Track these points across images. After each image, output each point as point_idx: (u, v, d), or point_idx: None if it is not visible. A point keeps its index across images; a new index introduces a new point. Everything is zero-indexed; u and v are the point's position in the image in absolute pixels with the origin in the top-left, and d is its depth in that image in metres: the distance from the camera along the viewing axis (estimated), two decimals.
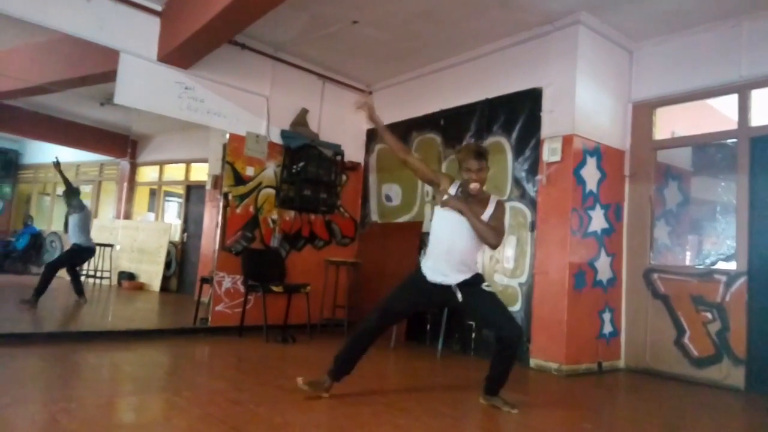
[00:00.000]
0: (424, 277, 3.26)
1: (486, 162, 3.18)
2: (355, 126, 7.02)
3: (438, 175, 3.39)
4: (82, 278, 7.33)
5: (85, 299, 6.72)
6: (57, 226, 10.76)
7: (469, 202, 3.16)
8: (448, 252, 3.20)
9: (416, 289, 3.31)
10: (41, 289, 6.10)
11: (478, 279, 3.30)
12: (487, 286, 3.33)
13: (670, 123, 5.28)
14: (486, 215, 3.17)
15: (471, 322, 5.36)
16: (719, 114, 5.11)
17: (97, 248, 7.32)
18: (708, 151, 5.24)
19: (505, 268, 5.22)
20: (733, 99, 4.76)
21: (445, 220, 3.22)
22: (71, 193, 6.87)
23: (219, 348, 4.97)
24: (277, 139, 6.15)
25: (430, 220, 3.40)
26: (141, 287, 8.99)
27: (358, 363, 3.31)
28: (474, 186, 3.13)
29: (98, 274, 8.23)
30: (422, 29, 5.37)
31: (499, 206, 3.26)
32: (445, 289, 3.23)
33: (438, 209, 3.28)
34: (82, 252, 6.75)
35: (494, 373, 3.33)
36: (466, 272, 3.24)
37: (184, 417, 2.77)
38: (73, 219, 6.67)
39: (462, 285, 3.21)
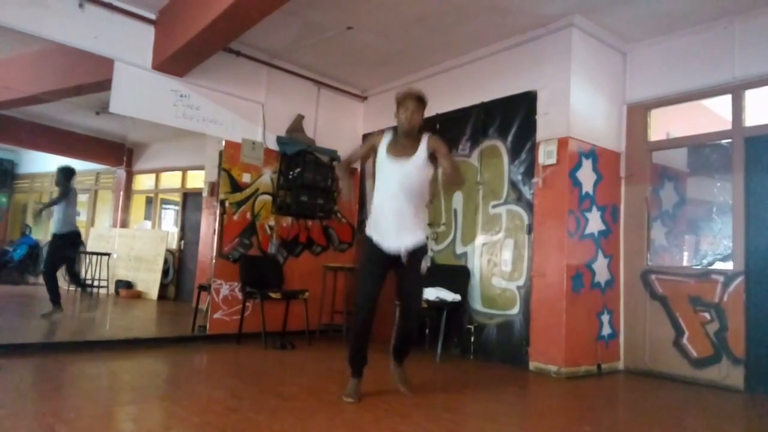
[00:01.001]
0: (376, 246, 3.31)
1: (423, 108, 3.36)
2: (351, 131, 7.03)
3: (368, 142, 3.55)
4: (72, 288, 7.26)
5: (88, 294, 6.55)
6: None
7: (404, 145, 3.32)
8: (392, 208, 3.28)
9: (375, 262, 3.34)
10: (54, 297, 6.01)
11: (423, 249, 3.40)
12: (430, 257, 3.53)
13: (664, 124, 5.29)
14: (421, 151, 3.29)
15: (470, 326, 5.37)
16: (714, 114, 5.12)
17: (95, 257, 7.27)
18: (703, 151, 5.25)
19: (503, 271, 5.22)
20: (727, 99, 4.78)
21: (392, 176, 3.30)
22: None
23: (217, 356, 4.95)
24: (273, 145, 6.16)
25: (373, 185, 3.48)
26: (138, 296, 8.95)
27: (368, 353, 3.44)
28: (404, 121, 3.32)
29: (95, 282, 8.20)
30: (417, 34, 5.39)
31: (433, 138, 3.36)
32: (393, 252, 3.30)
33: (378, 163, 3.38)
34: (65, 239, 6.41)
35: (395, 342, 3.69)
36: (415, 233, 3.32)
37: (183, 426, 2.76)
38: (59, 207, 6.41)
39: (408, 251, 3.29)
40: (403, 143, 3.35)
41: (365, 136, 7.03)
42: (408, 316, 3.53)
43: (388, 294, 5.88)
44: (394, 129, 3.46)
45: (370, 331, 3.37)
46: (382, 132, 3.41)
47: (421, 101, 3.33)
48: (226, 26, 4.37)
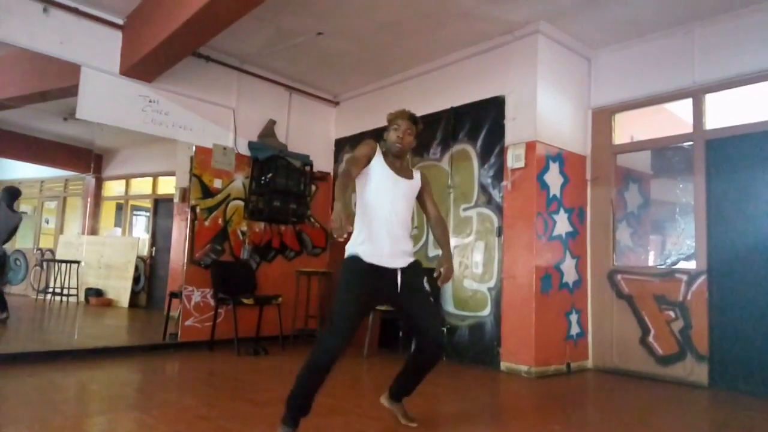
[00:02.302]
0: (364, 266, 2.79)
1: (416, 129, 3.04)
2: (323, 136, 7.05)
3: (363, 152, 2.93)
4: (48, 296, 7.13)
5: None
6: (21, 244, 10.49)
7: (396, 167, 2.99)
8: (389, 227, 2.85)
9: (362, 284, 2.77)
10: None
11: (418, 265, 2.99)
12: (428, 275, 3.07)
13: (628, 128, 5.43)
14: (416, 179, 3.05)
15: (443, 328, 5.41)
16: (675, 118, 5.27)
17: (64, 265, 7.13)
18: (666, 154, 5.40)
19: (474, 273, 5.29)
20: (688, 103, 4.93)
21: (397, 192, 2.93)
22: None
23: (189, 363, 4.91)
24: (244, 150, 6.14)
25: (361, 195, 2.96)
26: (109, 303, 8.80)
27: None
28: (397, 143, 2.98)
29: (65, 291, 8.05)
30: (387, 40, 5.44)
31: (425, 177, 3.13)
32: (387, 276, 2.83)
33: (376, 176, 2.92)
34: None
35: (405, 379, 3.07)
36: (407, 252, 2.93)
37: None
38: None
39: (403, 270, 2.87)
40: (394, 164, 3.00)
41: (338, 142, 7.06)
42: (431, 347, 2.91)
43: None
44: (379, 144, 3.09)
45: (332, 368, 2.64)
46: (374, 142, 3.00)
47: (414, 122, 3.04)
48: (195, 31, 4.34)
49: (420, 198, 3.12)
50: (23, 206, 9.76)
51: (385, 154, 3.02)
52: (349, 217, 2.47)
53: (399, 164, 3.04)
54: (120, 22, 5.15)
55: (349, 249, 2.86)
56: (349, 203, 2.69)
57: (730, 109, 4.77)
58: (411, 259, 2.94)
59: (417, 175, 3.11)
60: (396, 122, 3.04)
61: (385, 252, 2.83)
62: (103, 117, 5.18)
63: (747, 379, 4.33)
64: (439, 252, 3.22)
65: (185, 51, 4.90)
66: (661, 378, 4.75)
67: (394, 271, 2.85)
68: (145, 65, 4.99)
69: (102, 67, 5.08)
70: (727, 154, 4.64)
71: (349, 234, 2.69)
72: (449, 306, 5.45)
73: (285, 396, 2.65)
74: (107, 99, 5.12)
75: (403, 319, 3.16)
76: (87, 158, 10.04)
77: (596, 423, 3.51)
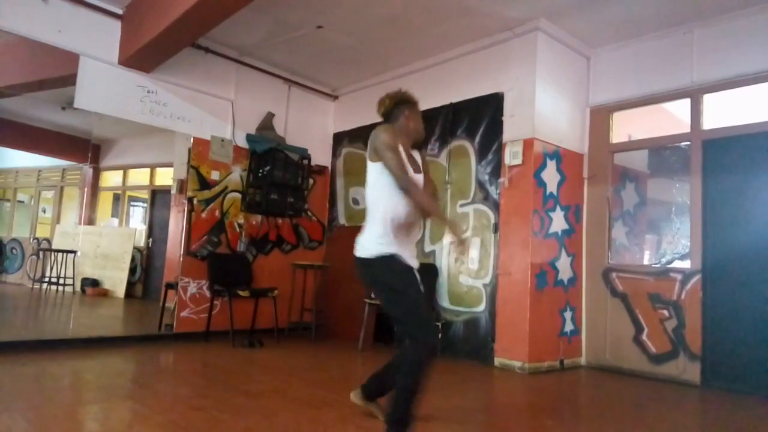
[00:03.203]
0: (406, 263, 2.63)
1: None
2: (321, 130, 7.05)
3: (393, 143, 2.63)
4: (44, 285, 7.15)
5: None
6: (18, 232, 10.49)
7: (408, 155, 2.76)
8: (409, 227, 2.68)
9: (415, 279, 2.63)
10: None
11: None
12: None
13: (626, 127, 5.44)
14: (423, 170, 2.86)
15: (438, 323, 5.43)
16: (673, 118, 5.28)
17: (60, 255, 7.15)
18: (663, 153, 5.42)
19: (470, 269, 5.30)
20: (686, 103, 4.94)
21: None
22: None
23: (184, 354, 4.93)
24: (242, 143, 6.13)
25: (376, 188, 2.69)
26: (105, 294, 8.81)
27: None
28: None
29: (60, 280, 8.05)
30: (387, 35, 5.43)
31: (426, 157, 2.97)
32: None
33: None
34: None
35: (387, 379, 2.83)
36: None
37: (146, 425, 2.75)
38: None
39: (418, 270, 2.72)
40: (408, 151, 2.77)
41: (336, 136, 7.06)
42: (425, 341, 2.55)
43: (359, 291, 5.93)
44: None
45: None
46: (391, 129, 2.71)
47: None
48: (194, 22, 4.33)
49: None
50: (20, 195, 9.77)
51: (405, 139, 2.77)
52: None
53: (409, 153, 2.77)
54: (119, 11, 5.13)
55: (382, 247, 2.58)
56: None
57: (728, 110, 4.78)
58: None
59: (420, 161, 2.90)
60: (416, 108, 2.89)
61: (411, 254, 2.70)
62: (101, 107, 5.17)
63: (739, 378, 4.36)
64: (435, 247, 3.20)
65: (184, 42, 4.89)
66: (654, 376, 4.77)
67: (415, 264, 2.71)
68: (143, 55, 4.98)
69: (101, 57, 5.06)
70: (724, 155, 4.65)
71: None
72: (444, 301, 5.47)
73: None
74: (105, 89, 5.11)
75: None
76: (85, 148, 10.02)
77: (588, 420, 3.53)
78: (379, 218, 2.62)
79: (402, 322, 2.62)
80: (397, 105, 2.89)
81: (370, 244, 2.62)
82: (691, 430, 3.50)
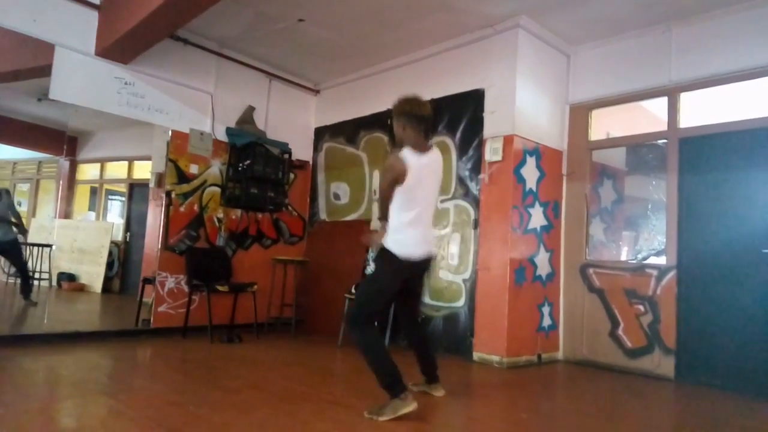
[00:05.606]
0: (407, 262, 3.12)
1: None
2: (302, 124, 7.01)
3: (398, 167, 3.14)
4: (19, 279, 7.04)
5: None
6: None
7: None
8: (429, 217, 3.30)
9: (400, 278, 3.17)
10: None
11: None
12: None
13: (605, 124, 5.50)
14: None
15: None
16: (651, 116, 5.34)
17: (35, 249, 7.03)
18: (640, 151, 5.49)
19: (450, 265, 5.33)
20: (663, 102, 5.01)
21: (432, 189, 3.32)
22: None
23: (161, 350, 4.88)
24: (222, 136, 6.07)
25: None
26: (82, 288, 8.68)
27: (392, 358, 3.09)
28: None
29: (36, 275, 7.91)
30: (368, 29, 5.41)
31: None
32: (423, 262, 3.25)
33: (426, 178, 3.21)
34: None
35: (430, 360, 3.57)
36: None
37: (121, 421, 2.73)
38: None
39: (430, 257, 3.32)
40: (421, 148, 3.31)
41: (317, 130, 7.03)
42: (420, 325, 3.68)
43: (340, 286, 5.91)
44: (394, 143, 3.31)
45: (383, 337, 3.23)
46: (398, 157, 3.18)
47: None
48: (173, 12, 4.26)
49: None
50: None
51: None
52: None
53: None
54: (96, 1, 5.03)
55: (397, 248, 3.11)
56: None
57: (704, 109, 4.85)
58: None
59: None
60: (424, 129, 3.43)
61: (429, 240, 3.38)
62: (78, 98, 5.08)
63: (712, 373, 4.44)
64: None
65: (163, 33, 4.81)
66: (629, 370, 4.85)
67: (429, 253, 3.30)
68: (121, 46, 4.90)
69: (77, 47, 4.97)
70: (700, 153, 4.72)
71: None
72: (425, 296, 5.48)
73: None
74: (82, 80, 5.02)
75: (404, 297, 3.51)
76: (61, 140, 9.83)
77: (563, 413, 3.58)
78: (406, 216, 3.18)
79: (358, 303, 3.21)
80: (396, 117, 3.52)
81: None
82: (665, 423, 3.56)
